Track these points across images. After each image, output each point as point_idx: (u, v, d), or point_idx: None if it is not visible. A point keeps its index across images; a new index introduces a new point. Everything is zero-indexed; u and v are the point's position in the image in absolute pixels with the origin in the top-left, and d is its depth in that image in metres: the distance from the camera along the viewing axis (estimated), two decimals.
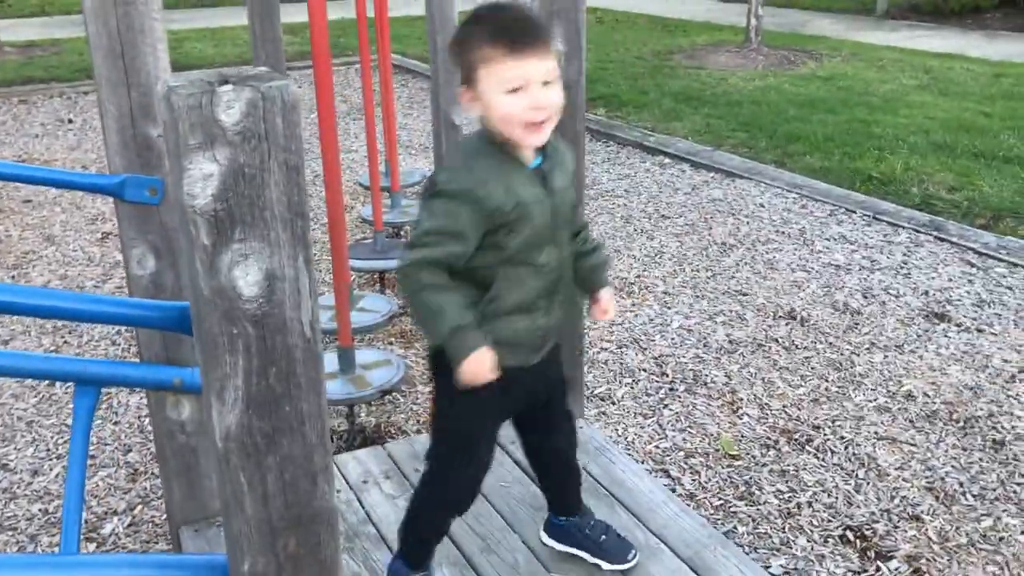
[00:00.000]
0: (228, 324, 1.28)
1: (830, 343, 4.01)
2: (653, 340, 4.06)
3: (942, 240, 5.10)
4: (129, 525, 2.94)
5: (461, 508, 2.14)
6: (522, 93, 1.79)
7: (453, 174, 1.88)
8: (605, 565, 2.24)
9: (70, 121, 8.49)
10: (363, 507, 2.50)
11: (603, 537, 2.26)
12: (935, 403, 3.53)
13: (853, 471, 3.14)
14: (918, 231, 5.23)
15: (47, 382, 3.75)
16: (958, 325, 4.15)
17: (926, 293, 4.47)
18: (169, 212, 2.17)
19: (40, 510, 3.01)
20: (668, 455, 3.25)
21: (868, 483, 3.07)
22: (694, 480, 3.12)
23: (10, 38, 12.05)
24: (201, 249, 1.24)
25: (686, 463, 3.21)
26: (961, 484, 3.05)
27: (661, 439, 3.35)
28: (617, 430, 3.40)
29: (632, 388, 3.69)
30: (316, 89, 3.20)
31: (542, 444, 2.24)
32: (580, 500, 2.32)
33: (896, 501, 2.98)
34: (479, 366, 1.84)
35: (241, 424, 1.33)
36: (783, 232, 5.32)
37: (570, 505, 2.30)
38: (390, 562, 2.18)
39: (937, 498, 2.99)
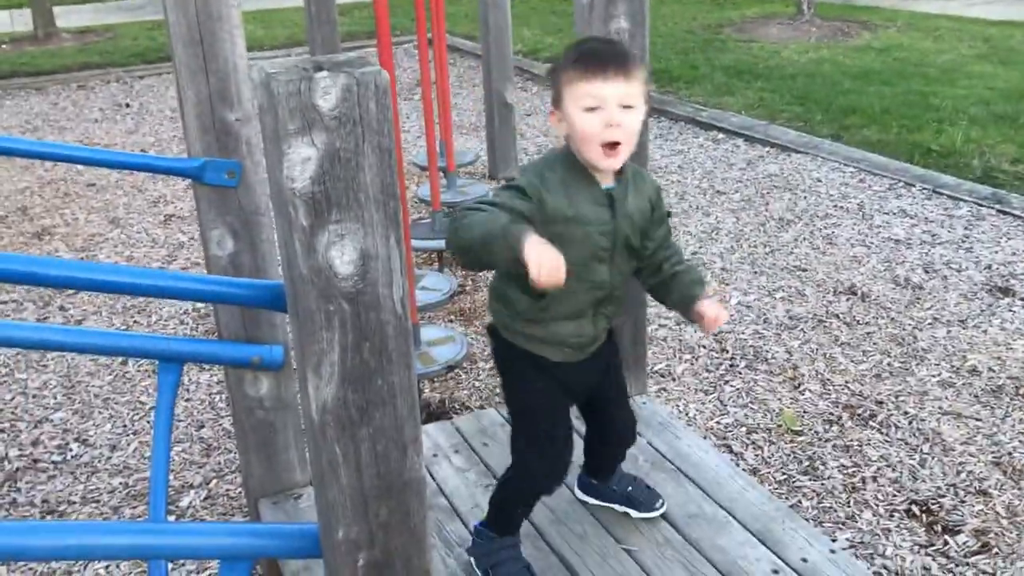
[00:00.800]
0: (324, 301, 1.33)
1: (892, 318, 3.98)
2: None
3: (1005, 213, 5.01)
4: (206, 498, 3.04)
5: (549, 489, 2.21)
6: (599, 112, 1.89)
7: (526, 175, 1.97)
8: (634, 513, 2.36)
9: (127, 105, 8.65)
10: (434, 480, 2.56)
11: (630, 488, 2.37)
12: (1000, 378, 3.50)
13: (918, 446, 3.13)
14: (979, 204, 5.15)
15: (120, 361, 3.87)
16: (1023, 300, 4.09)
17: (989, 267, 4.41)
18: (247, 195, 2.24)
19: (120, 483, 3.12)
20: (730, 431, 3.27)
21: (933, 458, 3.07)
22: (757, 455, 3.13)
23: (65, 24, 12.28)
24: (300, 230, 1.29)
25: (748, 438, 3.22)
26: None
27: (722, 415, 3.37)
28: (678, 406, 3.42)
29: (692, 364, 3.71)
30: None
31: (596, 418, 2.31)
32: (616, 468, 2.41)
33: (962, 476, 2.97)
34: (546, 251, 1.68)
35: (337, 397, 1.38)
36: (841, 207, 5.27)
37: (605, 472, 2.40)
38: (477, 523, 2.25)
39: (1004, 473, 2.97)
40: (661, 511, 2.36)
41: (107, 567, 2.74)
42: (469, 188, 5.28)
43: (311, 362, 1.36)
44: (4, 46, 11.23)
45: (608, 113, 1.89)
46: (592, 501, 2.42)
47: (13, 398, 3.67)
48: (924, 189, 5.43)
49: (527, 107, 7.79)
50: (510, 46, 5.99)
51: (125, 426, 3.46)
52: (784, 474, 3.03)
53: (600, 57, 1.92)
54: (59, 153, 2.21)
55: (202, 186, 2.22)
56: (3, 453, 3.31)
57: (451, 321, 4.17)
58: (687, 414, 3.37)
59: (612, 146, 1.90)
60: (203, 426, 3.44)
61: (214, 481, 3.12)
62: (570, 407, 2.22)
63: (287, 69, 1.28)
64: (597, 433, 2.33)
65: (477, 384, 3.63)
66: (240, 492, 3.02)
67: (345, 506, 1.44)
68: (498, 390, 3.57)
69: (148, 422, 3.46)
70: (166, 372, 2.11)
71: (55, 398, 3.67)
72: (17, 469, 3.22)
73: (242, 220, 2.25)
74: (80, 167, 6.63)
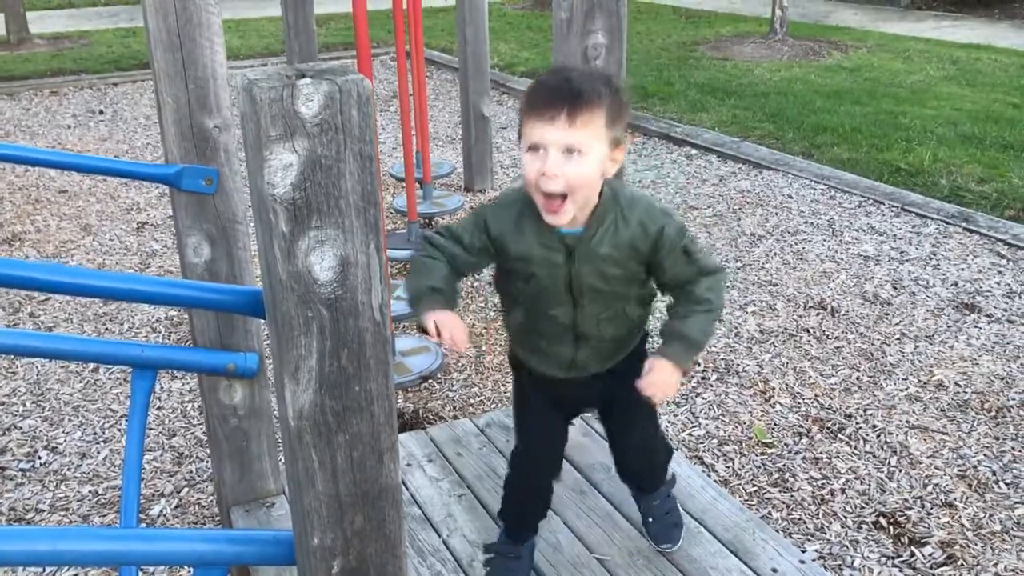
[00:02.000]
0: (303, 307, 1.34)
1: (861, 333, 4.04)
2: None
3: (971, 231, 5.10)
4: (176, 506, 3.02)
5: (524, 486, 2.23)
6: (539, 155, 1.75)
7: (485, 208, 1.97)
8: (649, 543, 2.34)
9: (101, 112, 8.59)
10: (407, 489, 2.56)
11: (650, 520, 2.32)
12: (966, 393, 3.56)
13: (885, 459, 3.18)
14: (947, 222, 5.24)
15: (91, 368, 3.84)
16: (988, 316, 4.17)
17: (955, 284, 4.49)
18: (224, 202, 2.24)
19: (90, 491, 3.09)
20: (701, 443, 3.30)
21: (901, 471, 3.11)
22: (728, 467, 3.16)
23: (39, 30, 12.18)
24: (280, 236, 1.30)
25: (720, 450, 3.25)
26: (994, 472, 3.08)
27: (694, 427, 3.39)
28: None
29: None
30: None
31: (611, 441, 2.29)
32: (647, 486, 2.34)
33: (929, 488, 3.01)
34: (445, 324, 1.87)
35: (314, 403, 1.38)
36: (812, 223, 5.34)
37: (638, 487, 2.35)
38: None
39: (970, 486, 3.02)
40: (673, 549, 2.29)
41: (76, 573, 2.72)
42: (445, 200, 5.30)
43: (289, 368, 1.37)
44: None
45: (544, 160, 1.74)
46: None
47: None
48: (893, 207, 5.52)
49: (503, 120, 7.82)
50: (487, 60, 6.03)
51: (95, 434, 3.43)
52: (755, 486, 3.06)
53: (547, 94, 1.76)
54: (34, 157, 2.20)
55: (179, 192, 2.21)
56: None
57: (426, 332, 4.17)
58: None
59: (550, 197, 1.76)
60: (175, 435, 3.42)
61: (185, 490, 3.10)
62: (560, 417, 2.20)
63: (269, 76, 1.29)
64: (611, 452, 2.32)
65: (451, 395, 3.64)
66: (211, 501, 3.01)
67: (320, 513, 1.44)
68: (471, 400, 3.59)
69: (119, 430, 3.43)
70: (140, 379, 2.10)
71: (24, 405, 3.63)
72: None
73: (219, 227, 2.25)
74: (53, 173, 6.58)
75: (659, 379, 1.87)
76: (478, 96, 5.99)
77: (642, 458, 2.26)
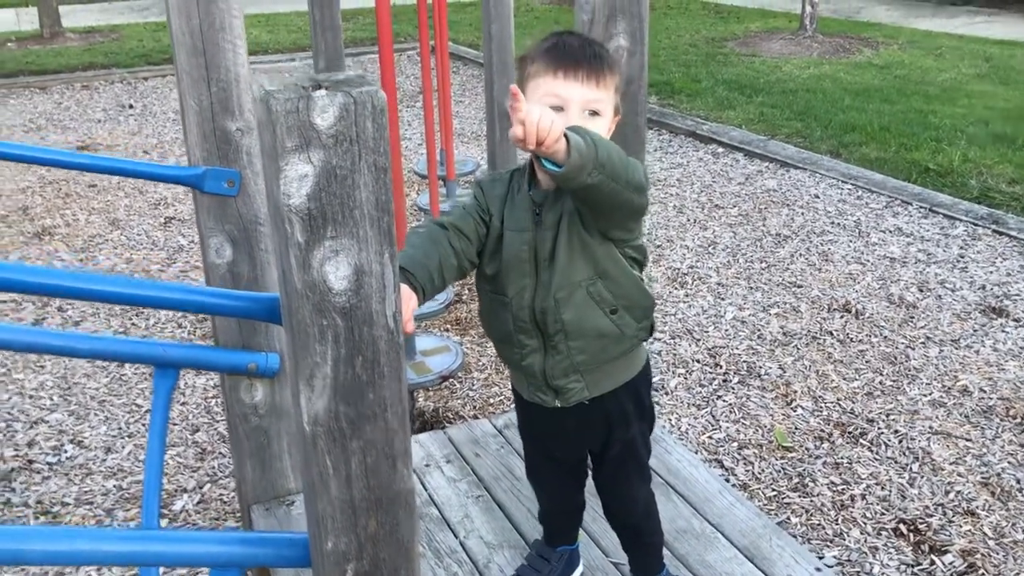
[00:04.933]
0: (319, 316, 1.35)
1: (885, 337, 4.00)
2: (707, 331, 4.09)
3: (1000, 233, 5.04)
4: (199, 502, 3.05)
5: (547, 511, 2.24)
6: (560, 115, 1.73)
7: (480, 179, 1.94)
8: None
9: (131, 107, 8.68)
10: (426, 490, 2.58)
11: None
12: (991, 399, 3.52)
13: (907, 465, 3.15)
14: (976, 224, 5.18)
15: (117, 363, 3.88)
16: (1016, 320, 4.12)
17: (983, 287, 4.44)
18: (246, 204, 2.26)
19: (115, 486, 3.14)
20: (721, 446, 3.29)
21: (922, 477, 3.09)
22: (747, 471, 3.15)
23: (71, 24, 12.32)
24: (295, 246, 1.31)
25: (739, 454, 3.24)
26: (1018, 480, 3.05)
27: (714, 430, 3.38)
28: (671, 420, 3.44)
29: (686, 379, 3.73)
30: (381, 77, 3.23)
31: (600, 494, 2.16)
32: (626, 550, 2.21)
33: (951, 496, 2.99)
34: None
35: (329, 410, 1.40)
36: (838, 224, 5.30)
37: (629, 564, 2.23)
38: None
39: (993, 494, 2.99)
40: None
41: (98, 569, 2.77)
42: (467, 197, 5.30)
43: (304, 375, 1.38)
44: (10, 44, 11.27)
45: (568, 117, 1.73)
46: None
47: (10, 398, 3.69)
48: (921, 207, 5.46)
49: None
50: (512, 55, 6.01)
51: (120, 428, 3.48)
52: (774, 490, 3.05)
53: (573, 53, 1.76)
54: (61, 160, 2.23)
55: (202, 194, 2.24)
56: None
57: (446, 331, 4.19)
58: (679, 428, 3.39)
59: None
60: (198, 430, 3.45)
61: (207, 485, 3.14)
62: (565, 470, 2.12)
63: (286, 87, 1.30)
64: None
65: (471, 394, 3.65)
66: (233, 497, 3.04)
67: (334, 517, 1.46)
68: (491, 400, 3.60)
69: (143, 425, 3.48)
70: (162, 377, 2.12)
71: (51, 399, 3.69)
72: (12, 469, 3.23)
73: (241, 229, 2.27)
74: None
75: (534, 110, 1.54)
76: (503, 93, 5.98)
77: (629, 522, 2.12)
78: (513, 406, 3.47)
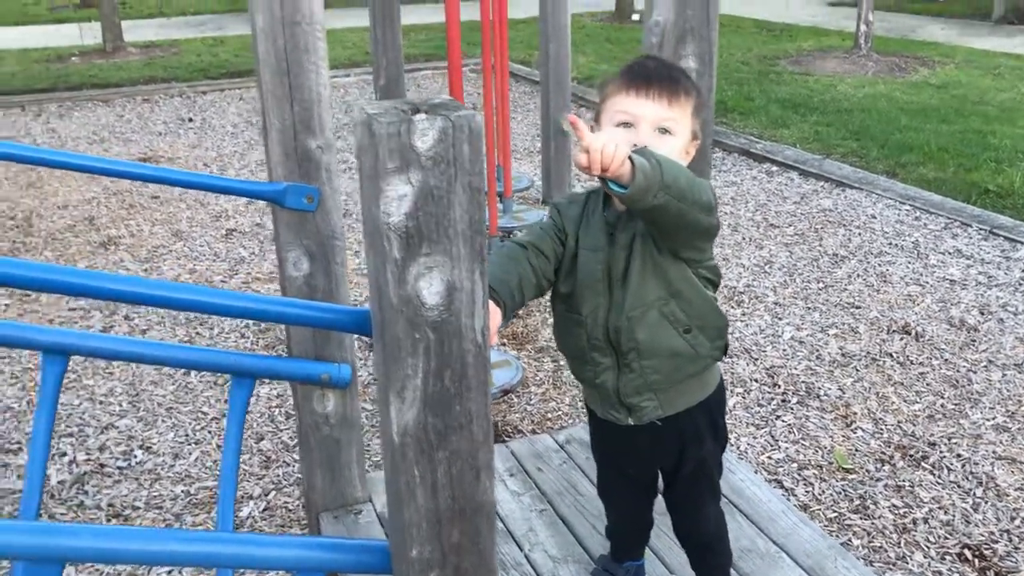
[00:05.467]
0: (411, 329, 1.40)
1: (946, 359, 3.97)
2: (764, 351, 4.09)
3: None
4: (264, 509, 3.12)
5: (616, 526, 2.27)
6: (630, 131, 1.78)
7: (558, 198, 1.99)
8: None
9: (190, 120, 8.88)
10: None
11: None
12: None
13: (971, 489, 3.12)
14: None
15: (183, 372, 3.98)
16: None
17: None
18: (324, 219, 2.33)
19: (183, 491, 3.22)
20: (781, 466, 3.29)
21: (987, 502, 3.06)
22: (807, 492, 3.15)
23: (133, 39, 12.64)
24: (392, 262, 1.36)
25: (799, 475, 3.23)
26: None
27: (774, 450, 3.38)
28: (730, 440, 3.44)
29: (744, 399, 3.73)
30: (450, 94, 3.30)
31: (671, 512, 2.19)
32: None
33: (1017, 522, 2.95)
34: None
35: (418, 421, 1.44)
36: (896, 244, 5.26)
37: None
38: None
39: None
40: None
41: (169, 571, 2.84)
42: (525, 214, 5.36)
43: (395, 386, 1.43)
44: (74, 59, 11.59)
45: (638, 134, 1.77)
46: None
47: (81, 404, 3.80)
48: (981, 229, 5.40)
49: None
50: (568, 75, 6.08)
51: (187, 435, 3.56)
52: (835, 512, 3.04)
53: (646, 72, 1.81)
54: (147, 174, 2.31)
55: (282, 209, 2.31)
56: (72, 456, 3.43)
57: (503, 344, 4.23)
58: (738, 448, 3.39)
59: None
60: (262, 438, 3.53)
61: (272, 493, 3.21)
62: (639, 489, 2.17)
63: (386, 111, 1.35)
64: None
65: (529, 408, 3.68)
66: (298, 505, 3.10)
67: (420, 526, 1.50)
68: (549, 415, 3.63)
69: (209, 432, 3.56)
70: (238, 387, 2.19)
71: (120, 405, 3.79)
72: (85, 473, 3.33)
73: (318, 243, 2.33)
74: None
75: (599, 137, 1.59)
76: (559, 111, 6.04)
77: (700, 543, 2.14)
78: (571, 421, 3.52)
